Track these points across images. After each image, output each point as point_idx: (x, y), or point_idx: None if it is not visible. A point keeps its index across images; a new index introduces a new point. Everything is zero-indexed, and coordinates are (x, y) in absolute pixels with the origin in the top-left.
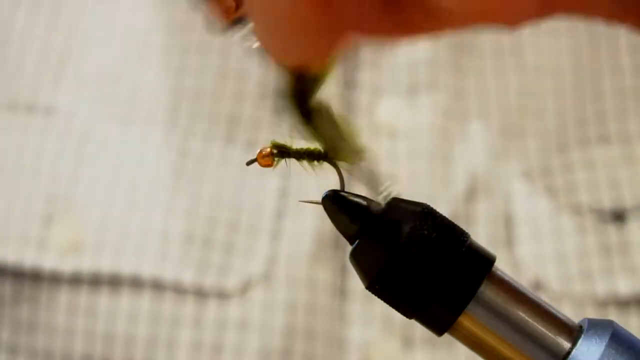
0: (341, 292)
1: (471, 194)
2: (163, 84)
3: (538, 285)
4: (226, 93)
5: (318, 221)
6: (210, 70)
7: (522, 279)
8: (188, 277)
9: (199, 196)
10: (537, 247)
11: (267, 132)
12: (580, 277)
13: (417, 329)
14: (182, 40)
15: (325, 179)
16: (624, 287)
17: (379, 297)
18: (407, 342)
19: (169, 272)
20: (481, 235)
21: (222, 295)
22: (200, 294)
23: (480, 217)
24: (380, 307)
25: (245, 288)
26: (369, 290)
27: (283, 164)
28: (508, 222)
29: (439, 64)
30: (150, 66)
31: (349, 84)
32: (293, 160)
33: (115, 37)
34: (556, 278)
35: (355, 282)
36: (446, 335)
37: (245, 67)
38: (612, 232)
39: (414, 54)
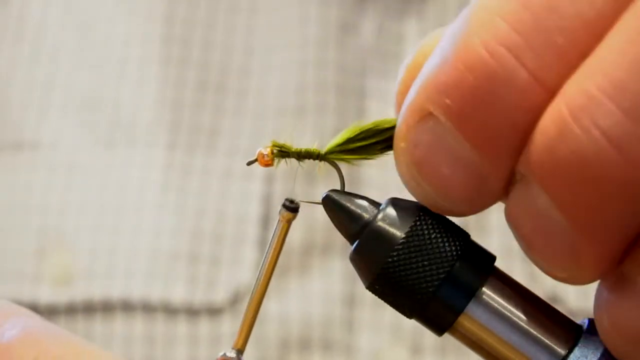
0: (350, 300)
1: None
2: (144, 99)
3: (555, 300)
4: (207, 104)
5: (306, 226)
6: (190, 82)
7: (539, 292)
8: (177, 296)
9: (183, 210)
10: None
11: (248, 140)
12: None
13: (426, 336)
14: (161, 52)
15: (309, 184)
16: None
17: (379, 296)
18: (416, 350)
19: (157, 293)
20: (495, 245)
21: (213, 310)
22: (191, 311)
23: (494, 227)
24: (389, 314)
25: (234, 300)
26: (369, 290)
27: (283, 163)
28: None
29: None
30: (129, 82)
31: (358, 92)
32: (293, 160)
33: (93, 58)
34: (574, 293)
35: (363, 290)
36: (456, 342)
37: (224, 80)
38: None
39: None
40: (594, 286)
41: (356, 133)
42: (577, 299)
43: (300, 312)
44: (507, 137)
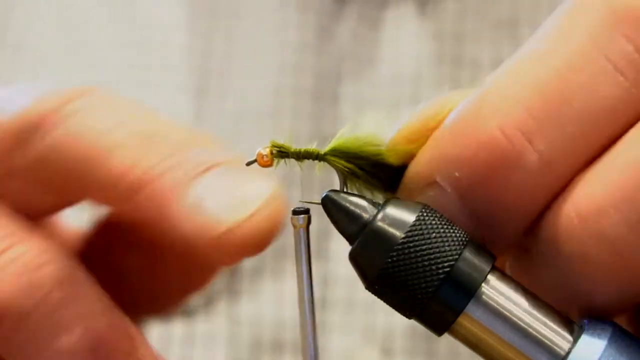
0: (322, 303)
1: None
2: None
3: None
4: (188, 108)
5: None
6: (170, 86)
7: None
8: None
9: None
10: None
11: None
12: None
13: (398, 338)
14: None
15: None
16: None
17: (378, 297)
18: (387, 352)
19: None
20: None
21: (186, 312)
22: None
23: None
24: (360, 317)
25: (208, 302)
26: (369, 290)
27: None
28: None
29: (423, 78)
30: (116, 86)
31: (333, 97)
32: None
33: (79, 62)
34: None
35: (334, 293)
36: (425, 344)
37: (204, 83)
38: None
39: (397, 68)
40: None
41: (356, 143)
42: None
43: (273, 314)
44: (509, 215)
